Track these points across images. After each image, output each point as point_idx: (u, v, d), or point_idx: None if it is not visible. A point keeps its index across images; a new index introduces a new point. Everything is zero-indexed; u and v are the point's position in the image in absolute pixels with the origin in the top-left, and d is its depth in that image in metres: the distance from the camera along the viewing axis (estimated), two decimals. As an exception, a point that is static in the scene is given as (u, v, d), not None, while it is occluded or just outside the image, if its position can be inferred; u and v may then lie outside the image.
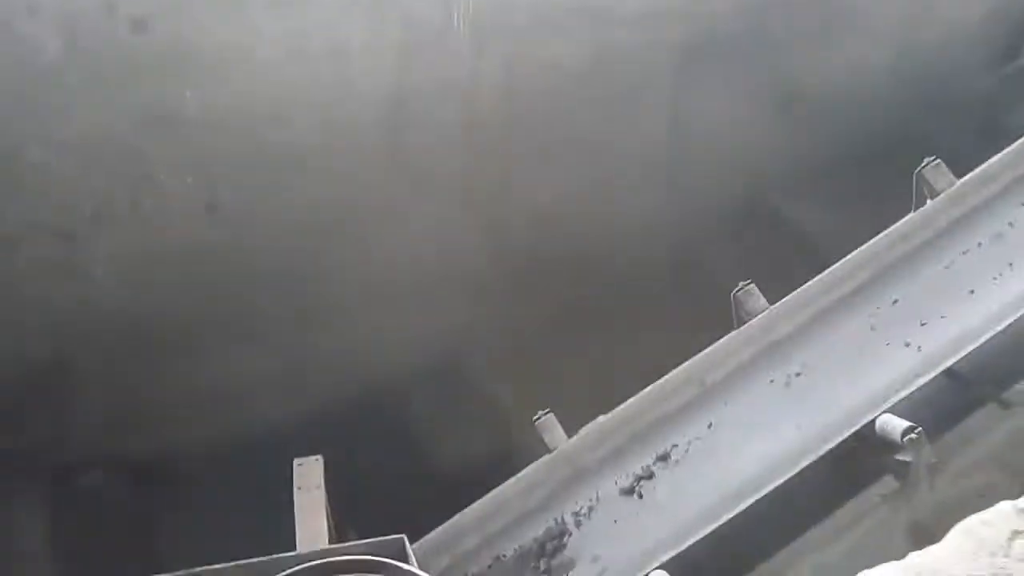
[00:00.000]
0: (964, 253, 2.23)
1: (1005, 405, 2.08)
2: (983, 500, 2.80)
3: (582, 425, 2.12)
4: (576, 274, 2.84)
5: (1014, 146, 2.26)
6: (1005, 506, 1.38)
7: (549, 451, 2.02)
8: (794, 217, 3.14)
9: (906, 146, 2.59)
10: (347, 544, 1.60)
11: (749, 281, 2.15)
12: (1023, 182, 2.27)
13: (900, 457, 1.81)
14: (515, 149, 2.64)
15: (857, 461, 1.94)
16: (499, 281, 2.86)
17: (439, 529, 1.98)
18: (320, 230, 2.58)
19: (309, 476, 1.77)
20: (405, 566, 1.45)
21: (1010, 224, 2.21)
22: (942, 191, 2.18)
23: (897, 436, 1.80)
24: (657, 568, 1.79)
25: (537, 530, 2.01)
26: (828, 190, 3.01)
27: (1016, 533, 1.31)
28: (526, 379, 2.87)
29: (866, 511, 1.95)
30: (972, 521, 1.38)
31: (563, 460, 2.08)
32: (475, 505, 2.03)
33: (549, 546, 1.98)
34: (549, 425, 2.03)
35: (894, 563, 1.32)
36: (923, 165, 2.22)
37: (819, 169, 3.07)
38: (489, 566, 1.95)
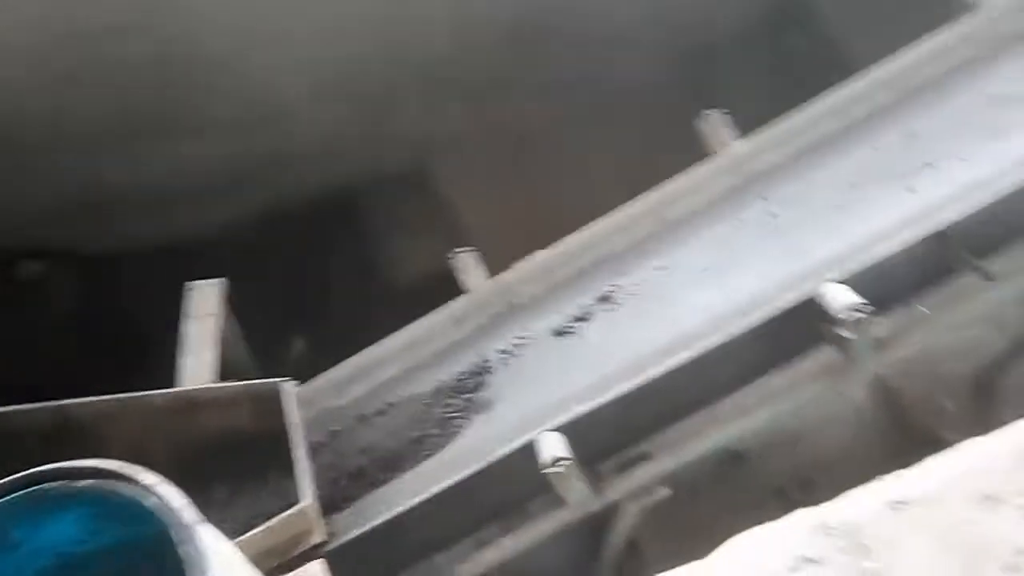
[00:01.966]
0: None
1: (987, 276, 1.80)
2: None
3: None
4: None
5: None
6: (804, 519, 1.10)
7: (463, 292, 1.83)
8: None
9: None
10: (211, 386, 1.46)
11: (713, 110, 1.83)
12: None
13: (841, 332, 1.57)
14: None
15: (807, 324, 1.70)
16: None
17: (351, 361, 1.86)
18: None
19: (203, 303, 1.61)
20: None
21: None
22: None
23: (840, 312, 1.55)
24: (554, 430, 1.64)
25: (459, 366, 1.87)
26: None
27: (802, 561, 1.03)
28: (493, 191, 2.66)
29: (799, 381, 1.74)
30: (749, 542, 1.10)
31: (497, 294, 1.90)
32: (395, 336, 1.89)
33: (469, 383, 1.84)
34: (467, 264, 1.83)
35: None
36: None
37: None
38: (392, 404, 1.83)
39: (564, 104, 2.52)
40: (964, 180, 1.72)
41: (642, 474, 1.80)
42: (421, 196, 2.68)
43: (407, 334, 1.91)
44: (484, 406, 1.83)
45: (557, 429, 1.71)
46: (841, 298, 1.59)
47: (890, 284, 1.89)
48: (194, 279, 1.81)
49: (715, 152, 1.86)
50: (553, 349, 1.85)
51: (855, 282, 1.69)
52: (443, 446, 1.78)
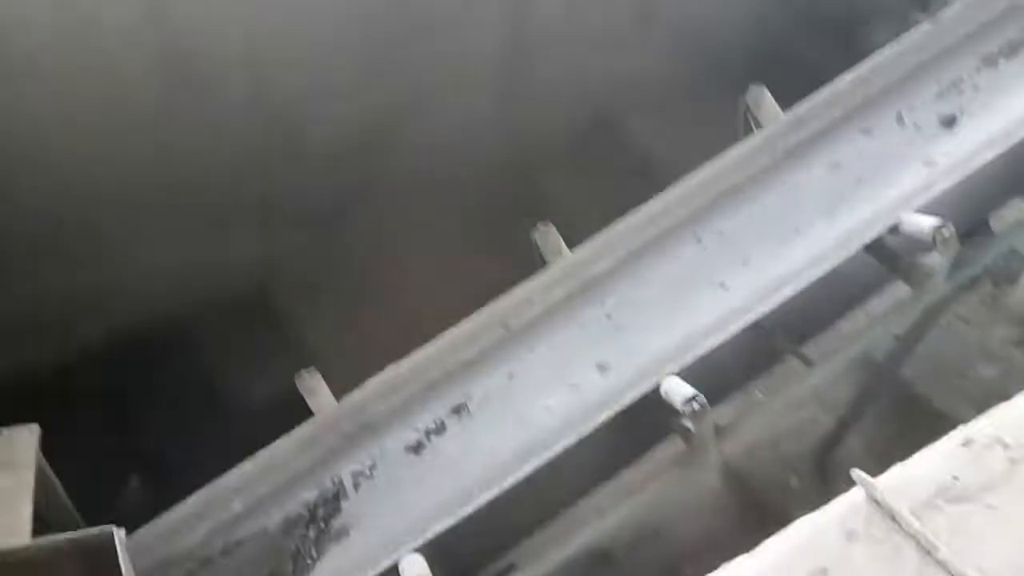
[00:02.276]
0: (795, 186, 2.05)
1: (806, 362, 1.97)
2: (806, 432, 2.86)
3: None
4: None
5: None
6: None
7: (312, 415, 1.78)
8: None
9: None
10: (28, 544, 1.32)
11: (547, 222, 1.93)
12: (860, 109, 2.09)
13: (683, 423, 1.66)
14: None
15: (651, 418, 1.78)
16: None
17: (191, 500, 1.74)
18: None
19: (14, 452, 1.47)
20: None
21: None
22: (765, 118, 1.98)
23: (678, 404, 1.65)
24: (415, 551, 1.60)
25: (309, 494, 1.80)
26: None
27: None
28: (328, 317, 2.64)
29: (653, 474, 1.81)
30: None
31: (347, 414, 1.86)
32: (238, 468, 1.80)
33: (321, 511, 1.77)
34: (312, 386, 1.79)
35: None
36: (747, 92, 2.02)
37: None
38: (239, 542, 1.72)
39: (401, 216, 2.57)
40: (773, 274, 1.89)
41: (512, 587, 1.77)
42: (260, 319, 2.62)
43: (251, 465, 1.81)
44: (338, 535, 1.75)
45: (418, 550, 1.67)
46: (679, 390, 1.67)
47: (723, 373, 2.03)
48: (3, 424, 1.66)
49: (549, 262, 1.95)
50: (408, 466, 1.82)
51: (691, 375, 1.80)
52: None
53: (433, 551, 1.68)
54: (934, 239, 1.75)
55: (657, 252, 1.99)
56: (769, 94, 2.04)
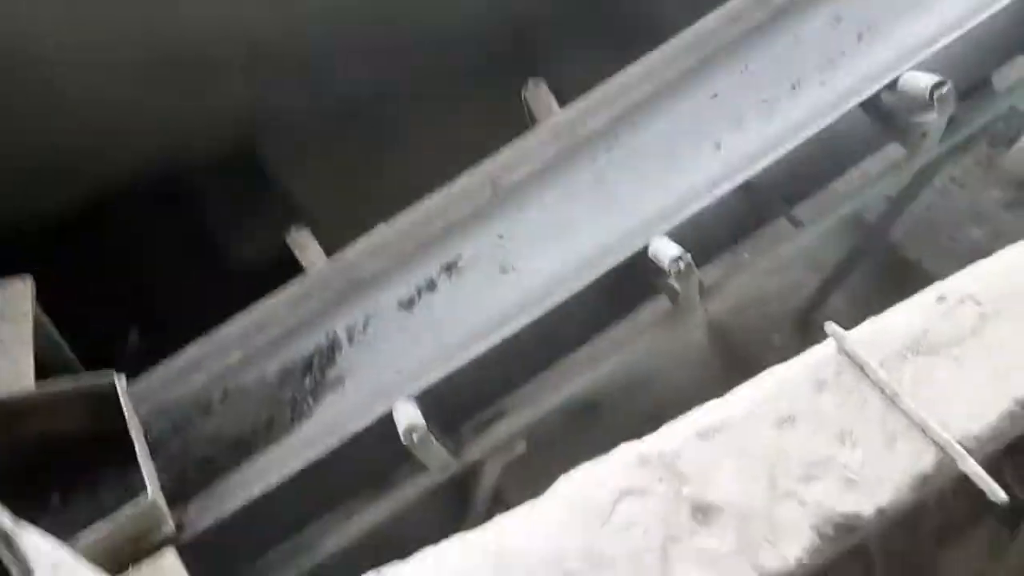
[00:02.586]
0: (794, 40, 1.98)
1: (795, 223, 1.97)
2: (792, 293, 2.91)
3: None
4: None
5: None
6: (626, 453, 1.20)
7: (303, 270, 1.81)
8: None
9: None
10: (32, 391, 1.38)
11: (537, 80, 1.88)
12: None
13: (670, 282, 1.68)
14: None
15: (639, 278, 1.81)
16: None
17: (189, 350, 1.80)
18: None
19: (11, 302, 1.50)
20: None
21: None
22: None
23: (665, 264, 1.66)
24: (408, 400, 1.67)
25: (304, 346, 1.85)
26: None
27: (624, 493, 1.14)
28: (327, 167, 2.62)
29: (641, 330, 1.86)
30: (577, 478, 1.20)
31: (339, 271, 1.89)
32: (234, 320, 1.85)
33: (317, 362, 1.83)
34: (303, 242, 1.80)
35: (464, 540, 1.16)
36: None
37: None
38: (237, 390, 1.79)
39: (395, 76, 2.49)
40: (767, 134, 1.86)
41: (500, 432, 1.86)
42: (252, 176, 2.60)
43: (247, 318, 1.87)
44: (334, 384, 1.82)
45: (411, 399, 1.74)
46: (666, 250, 1.69)
47: (712, 234, 2.04)
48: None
49: (541, 120, 1.91)
50: (400, 321, 1.87)
51: (679, 235, 1.81)
52: (294, 428, 1.76)
53: (426, 401, 1.76)
54: (931, 97, 1.71)
55: (650, 111, 1.95)
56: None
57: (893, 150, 2.00)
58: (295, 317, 1.88)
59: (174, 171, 2.53)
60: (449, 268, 1.91)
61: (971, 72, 2.04)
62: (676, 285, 1.69)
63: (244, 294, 1.94)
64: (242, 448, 1.75)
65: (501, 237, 1.91)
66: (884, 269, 2.92)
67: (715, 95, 1.94)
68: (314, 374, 1.84)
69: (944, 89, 1.71)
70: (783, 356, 1.33)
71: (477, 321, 1.84)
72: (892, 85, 1.82)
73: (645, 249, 1.78)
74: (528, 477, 1.97)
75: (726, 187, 1.80)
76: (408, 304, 1.89)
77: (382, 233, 1.90)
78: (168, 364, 1.81)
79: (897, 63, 1.85)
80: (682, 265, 1.65)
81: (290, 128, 2.67)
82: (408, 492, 1.80)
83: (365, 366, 1.84)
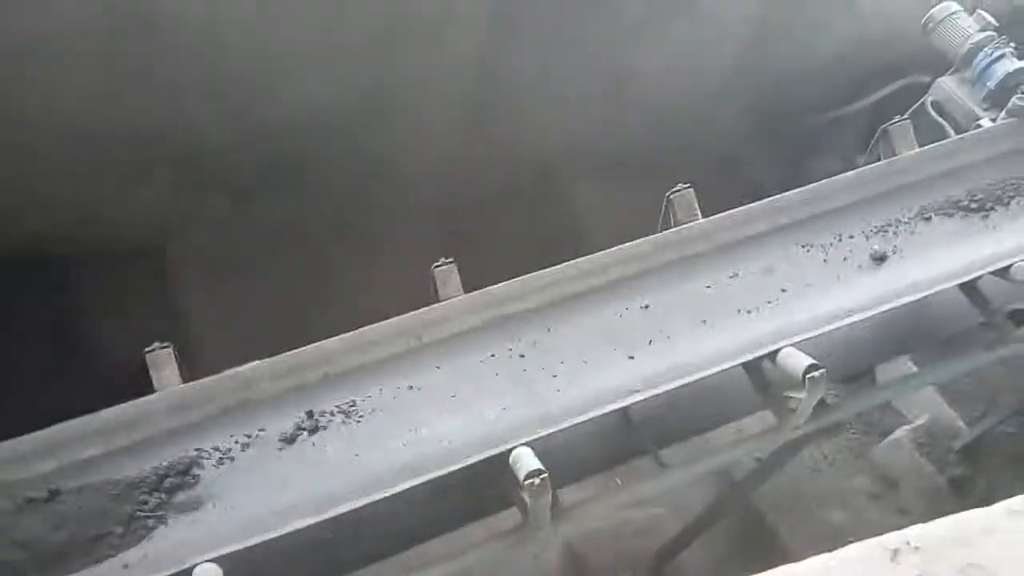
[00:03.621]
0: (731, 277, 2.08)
1: (661, 464, 1.98)
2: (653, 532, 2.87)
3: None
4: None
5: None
6: None
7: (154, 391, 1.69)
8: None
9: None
10: None
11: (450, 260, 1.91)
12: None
13: (523, 495, 1.63)
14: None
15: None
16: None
17: (35, 435, 1.64)
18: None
19: None
20: None
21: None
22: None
23: (520, 475, 1.62)
24: (208, 560, 1.52)
25: (163, 459, 1.70)
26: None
27: None
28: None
29: (495, 537, 1.77)
30: None
31: (232, 387, 1.77)
32: (97, 414, 1.69)
33: (173, 480, 1.67)
34: (161, 360, 1.70)
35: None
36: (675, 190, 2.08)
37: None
38: (72, 491, 1.62)
39: (324, 208, 2.53)
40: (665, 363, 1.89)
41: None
42: (147, 277, 2.52)
43: (110, 414, 1.70)
44: (187, 507, 1.64)
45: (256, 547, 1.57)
46: (525, 463, 1.65)
47: (583, 457, 2.02)
48: None
49: (443, 298, 1.92)
50: (280, 456, 1.72)
51: (548, 447, 1.77)
52: (124, 549, 1.56)
53: (263, 554, 1.58)
54: (804, 378, 1.80)
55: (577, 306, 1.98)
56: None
57: (769, 416, 2.07)
58: (162, 425, 1.72)
59: (75, 254, 2.44)
60: (348, 411, 1.80)
61: (857, 361, 2.17)
62: (527, 499, 1.63)
63: (108, 394, 1.78)
64: (53, 562, 1.54)
65: (412, 390, 1.84)
66: (744, 530, 2.93)
67: (646, 305, 2.00)
68: (165, 492, 1.66)
69: (816, 373, 1.80)
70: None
71: (360, 476, 1.70)
72: (773, 356, 1.92)
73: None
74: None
75: (600, 411, 1.80)
76: (292, 439, 1.75)
77: (288, 358, 1.80)
78: (15, 442, 1.62)
79: (785, 336, 1.95)
80: (536, 481, 1.60)
81: (202, 237, 2.63)
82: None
83: (226, 494, 1.67)
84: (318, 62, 2.34)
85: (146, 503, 1.64)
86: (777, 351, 1.91)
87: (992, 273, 2.07)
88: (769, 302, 2.04)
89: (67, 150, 2.20)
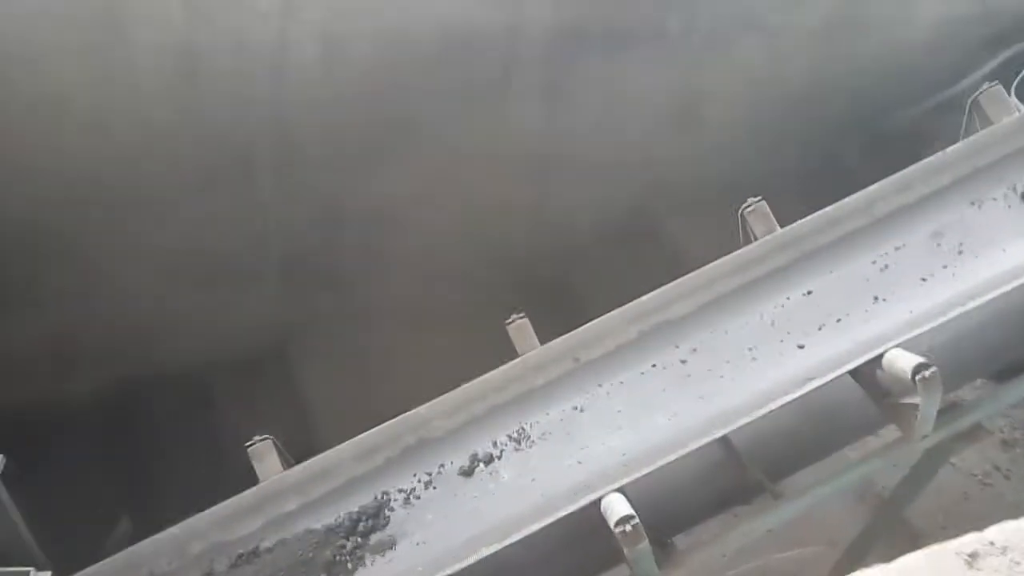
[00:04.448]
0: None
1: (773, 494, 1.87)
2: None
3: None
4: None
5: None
6: None
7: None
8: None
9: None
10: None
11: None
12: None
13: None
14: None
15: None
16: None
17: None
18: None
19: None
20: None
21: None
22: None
23: (611, 522, 1.59)
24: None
25: (355, 504, 1.85)
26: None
27: None
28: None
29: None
30: None
31: (408, 428, 1.89)
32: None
33: (367, 523, 1.82)
34: (261, 453, 1.82)
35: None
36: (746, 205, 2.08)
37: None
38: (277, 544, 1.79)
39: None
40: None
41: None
42: (275, 380, 2.70)
43: (301, 469, 1.85)
44: (382, 547, 1.77)
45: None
46: (616, 508, 1.60)
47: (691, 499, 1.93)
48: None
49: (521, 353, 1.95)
50: (461, 489, 1.82)
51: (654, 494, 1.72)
52: None
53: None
54: (914, 380, 1.67)
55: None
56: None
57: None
58: (351, 473, 1.84)
59: (202, 369, 2.67)
60: (518, 437, 1.89)
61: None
62: (623, 546, 1.59)
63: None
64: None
65: (577, 410, 1.90)
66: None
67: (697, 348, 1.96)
68: (361, 535, 1.78)
69: (927, 372, 1.67)
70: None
71: (539, 497, 1.75)
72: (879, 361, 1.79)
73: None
74: None
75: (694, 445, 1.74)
76: (471, 472, 1.85)
77: (457, 394, 1.90)
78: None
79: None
80: (628, 527, 1.56)
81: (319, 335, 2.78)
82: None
83: (418, 532, 1.77)
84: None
85: (344, 547, 1.80)
86: (882, 355, 1.78)
87: None
88: (944, 267, 1.97)
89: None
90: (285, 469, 1.84)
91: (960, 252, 2.00)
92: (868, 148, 3.36)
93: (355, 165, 2.44)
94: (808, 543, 2.67)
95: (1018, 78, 2.83)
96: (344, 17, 2.18)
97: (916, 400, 1.74)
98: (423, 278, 2.73)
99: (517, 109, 2.62)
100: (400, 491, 1.84)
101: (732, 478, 1.91)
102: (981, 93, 2.21)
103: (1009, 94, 2.63)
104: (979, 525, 2.81)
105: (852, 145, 3.34)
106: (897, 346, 1.78)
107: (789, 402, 1.77)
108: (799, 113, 3.15)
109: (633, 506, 1.73)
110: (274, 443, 1.86)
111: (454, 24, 2.29)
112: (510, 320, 1.97)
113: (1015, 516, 2.85)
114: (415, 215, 2.71)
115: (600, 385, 1.91)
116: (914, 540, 2.64)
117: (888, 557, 2.75)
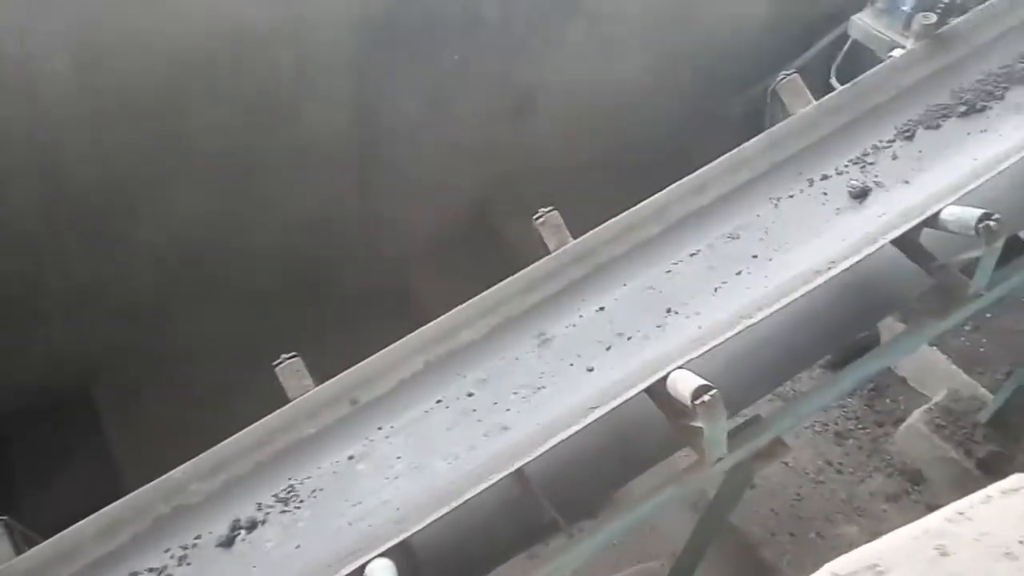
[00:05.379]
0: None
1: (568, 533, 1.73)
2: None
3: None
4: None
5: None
6: None
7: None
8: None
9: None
10: None
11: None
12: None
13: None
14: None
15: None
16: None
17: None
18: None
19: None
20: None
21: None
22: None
23: None
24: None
25: None
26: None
27: None
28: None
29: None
30: None
31: (160, 496, 1.69)
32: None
33: None
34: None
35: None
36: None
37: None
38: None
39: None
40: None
41: None
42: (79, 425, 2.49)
43: (39, 550, 1.62)
44: None
45: None
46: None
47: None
48: None
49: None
50: (219, 562, 1.62)
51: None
52: None
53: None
54: (693, 406, 1.57)
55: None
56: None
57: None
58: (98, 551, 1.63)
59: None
60: (286, 498, 1.69)
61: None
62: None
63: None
64: None
65: (353, 459, 1.72)
66: (739, 570, 2.63)
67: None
68: None
69: (707, 396, 1.57)
70: None
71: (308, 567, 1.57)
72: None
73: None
74: None
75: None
76: (230, 542, 1.66)
77: (215, 452, 1.72)
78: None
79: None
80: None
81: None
82: None
83: None
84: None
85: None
86: (666, 377, 1.69)
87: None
88: (739, 273, 1.88)
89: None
90: (17, 555, 1.60)
91: (755, 256, 1.92)
92: (711, 132, 3.33)
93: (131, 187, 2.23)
94: (652, 556, 2.59)
95: (835, 62, 2.82)
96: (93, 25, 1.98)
97: (701, 424, 1.66)
98: (231, 304, 2.54)
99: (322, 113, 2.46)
100: (150, 571, 1.61)
101: (528, 517, 1.78)
102: (779, 83, 2.14)
103: (830, 76, 2.61)
104: (813, 526, 2.82)
105: (694, 130, 3.30)
106: (680, 367, 1.70)
107: (575, 433, 1.67)
108: (633, 102, 3.09)
109: (415, 561, 1.62)
110: (6, 525, 1.62)
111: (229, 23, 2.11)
112: (278, 361, 1.79)
113: (847, 512, 2.87)
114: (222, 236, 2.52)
115: (380, 428, 1.75)
116: (748, 548, 2.61)
117: (720, 566, 2.72)
